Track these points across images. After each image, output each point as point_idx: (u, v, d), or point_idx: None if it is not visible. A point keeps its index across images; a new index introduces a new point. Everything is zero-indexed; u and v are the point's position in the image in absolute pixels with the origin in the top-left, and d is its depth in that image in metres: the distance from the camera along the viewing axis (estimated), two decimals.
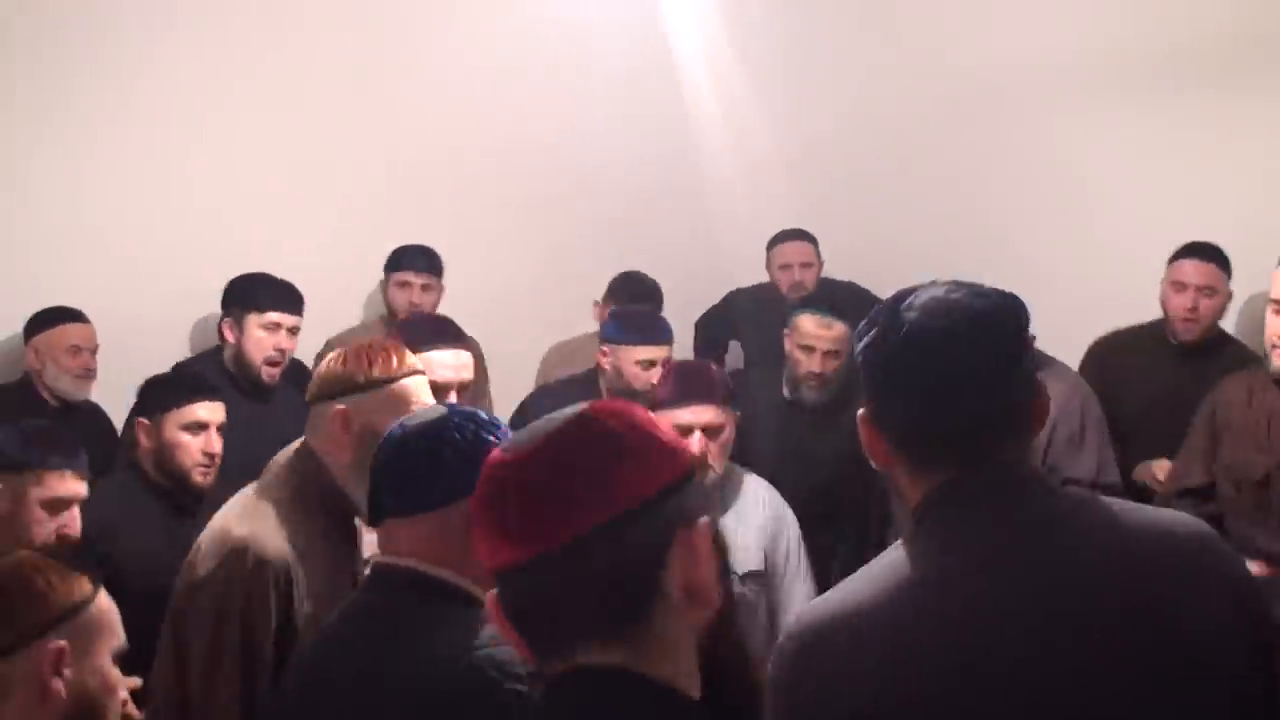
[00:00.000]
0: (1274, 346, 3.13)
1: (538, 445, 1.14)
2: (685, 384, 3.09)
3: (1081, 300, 4.38)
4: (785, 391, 3.86)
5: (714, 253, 5.13)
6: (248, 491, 2.37)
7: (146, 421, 3.18)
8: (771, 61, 5.29)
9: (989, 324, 1.43)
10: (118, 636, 1.79)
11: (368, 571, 1.83)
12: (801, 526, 3.23)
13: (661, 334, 3.73)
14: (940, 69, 5.10)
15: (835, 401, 3.69)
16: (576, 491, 1.12)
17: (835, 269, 4.96)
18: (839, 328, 3.70)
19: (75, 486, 2.77)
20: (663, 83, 5.20)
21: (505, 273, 4.83)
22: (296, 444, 2.37)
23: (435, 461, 1.71)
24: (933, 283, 1.48)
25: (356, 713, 1.65)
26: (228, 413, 3.25)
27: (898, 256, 4.57)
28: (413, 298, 4.40)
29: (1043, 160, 4.88)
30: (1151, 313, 4.08)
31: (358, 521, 2.38)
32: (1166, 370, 3.93)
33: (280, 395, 3.88)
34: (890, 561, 1.44)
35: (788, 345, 3.82)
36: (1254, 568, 2.72)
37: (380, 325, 4.37)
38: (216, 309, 4.05)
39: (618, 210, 5.12)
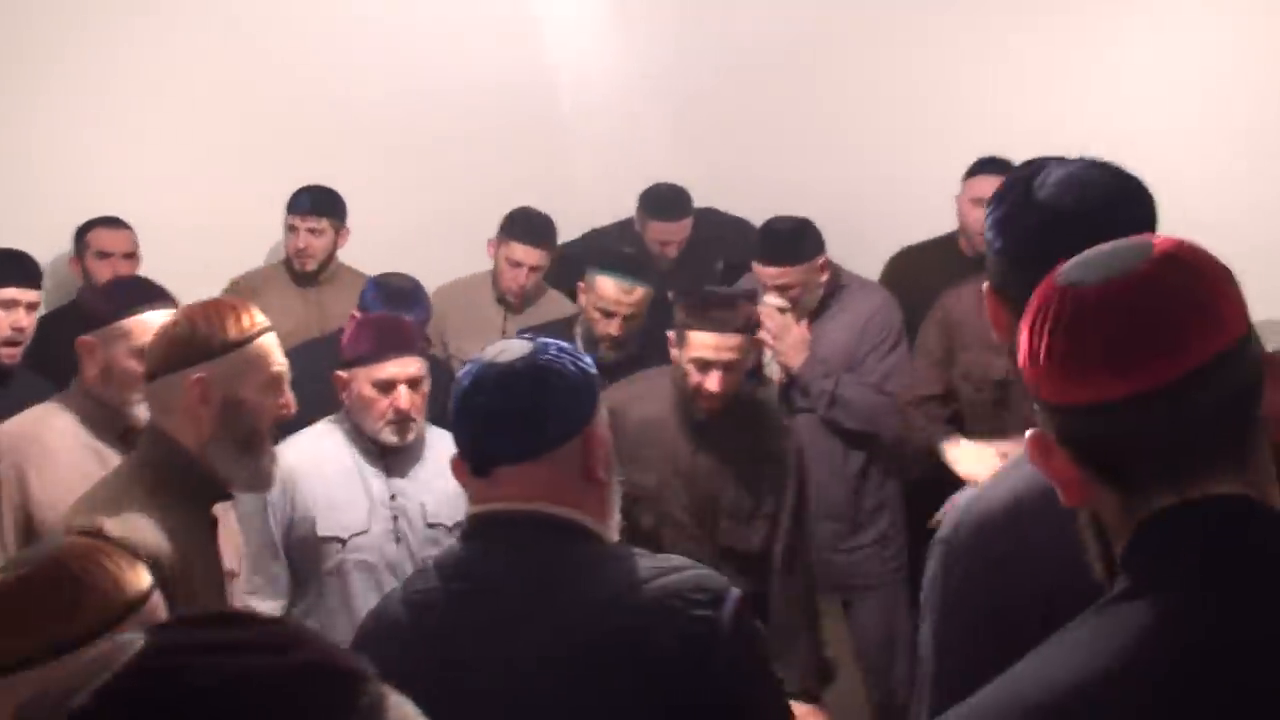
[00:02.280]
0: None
1: (1137, 276, 1.09)
2: (383, 337, 2.96)
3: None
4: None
5: (596, 185, 4.86)
6: (98, 493, 2.14)
7: None
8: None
9: (1125, 199, 1.47)
10: None
11: (469, 525, 1.72)
12: None
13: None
14: None
15: (630, 359, 3.58)
16: (1195, 319, 1.07)
17: (710, 197, 4.71)
18: (639, 292, 3.63)
19: None
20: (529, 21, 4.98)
21: (398, 214, 4.72)
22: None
23: (549, 400, 1.64)
24: (1061, 159, 1.51)
25: (543, 669, 1.58)
26: None
27: (768, 183, 4.54)
28: (298, 242, 4.31)
29: (908, 79, 4.83)
30: None
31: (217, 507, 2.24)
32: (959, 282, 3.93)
33: (19, 379, 3.47)
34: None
35: (583, 300, 3.73)
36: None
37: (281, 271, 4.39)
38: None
39: (496, 150, 4.88)
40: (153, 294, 2.61)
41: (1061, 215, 1.45)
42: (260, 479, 2.24)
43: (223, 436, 2.10)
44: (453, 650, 1.62)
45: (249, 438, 2.17)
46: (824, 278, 3.65)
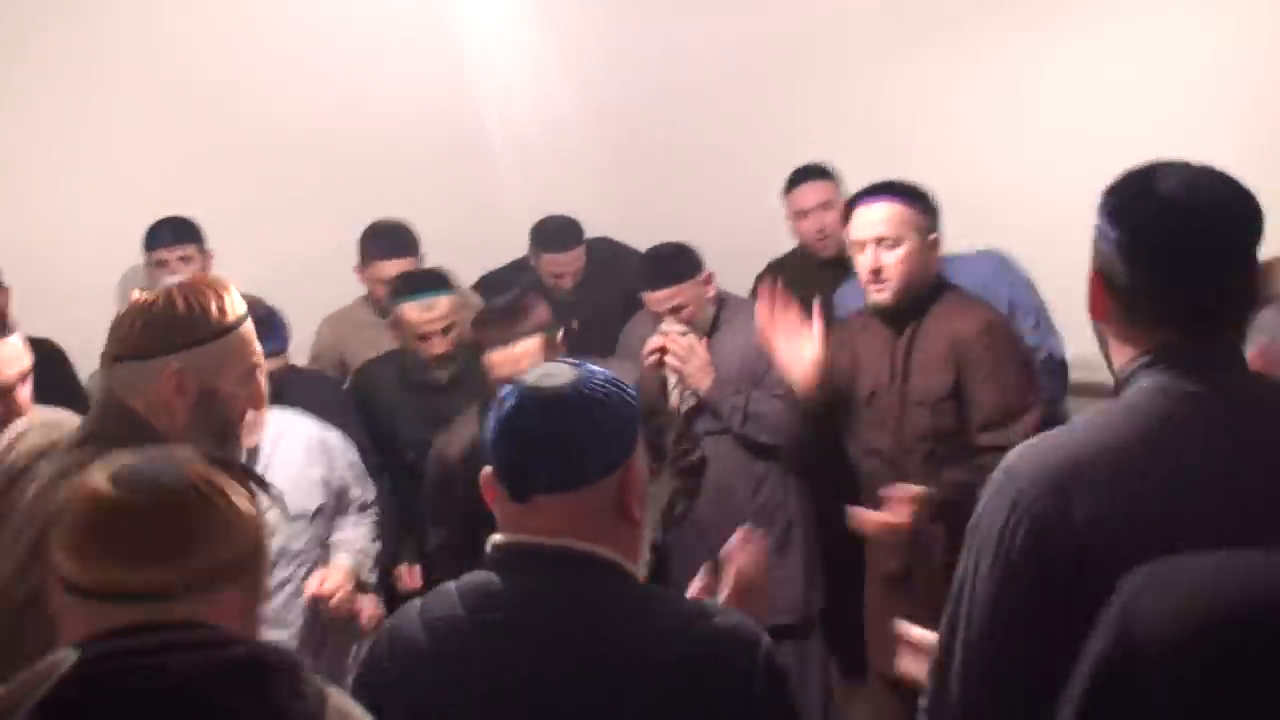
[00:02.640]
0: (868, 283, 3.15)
1: None
2: None
3: None
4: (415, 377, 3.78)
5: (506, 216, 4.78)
6: (49, 470, 1.97)
7: None
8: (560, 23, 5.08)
9: (1238, 203, 1.57)
10: None
11: (496, 553, 1.65)
12: None
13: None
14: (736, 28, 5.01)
15: (468, 371, 3.52)
16: None
17: (628, 233, 4.64)
18: (442, 302, 3.64)
19: None
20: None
21: (328, 242, 4.57)
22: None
23: (595, 432, 1.60)
24: (1171, 163, 1.60)
25: (567, 707, 1.55)
26: None
27: (694, 216, 4.42)
28: (172, 274, 3.95)
29: (847, 110, 4.90)
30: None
31: None
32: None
33: None
34: (1108, 410, 1.61)
35: (398, 336, 3.79)
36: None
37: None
38: None
39: (407, 176, 4.88)
40: None
41: (1177, 207, 1.55)
42: None
43: (197, 427, 2.00)
44: (477, 680, 1.59)
45: (224, 429, 2.06)
46: (712, 293, 3.63)
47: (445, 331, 3.63)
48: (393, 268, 4.10)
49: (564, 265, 4.48)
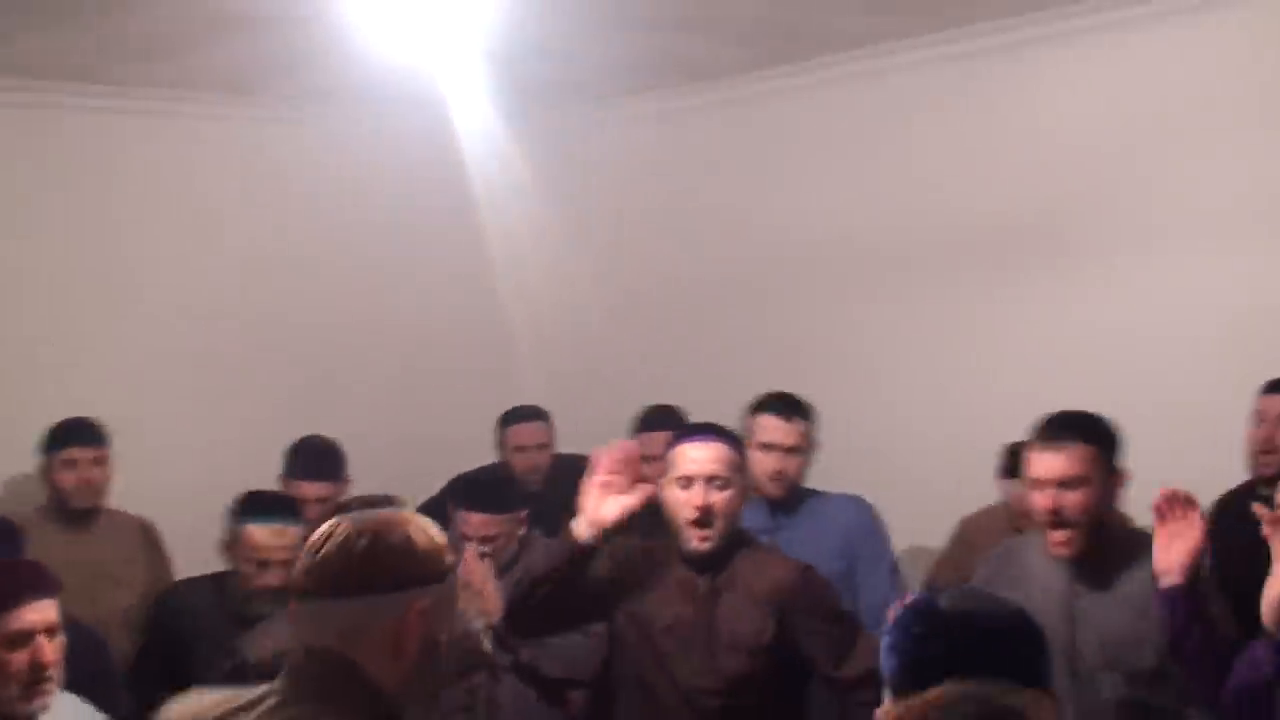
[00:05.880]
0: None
1: None
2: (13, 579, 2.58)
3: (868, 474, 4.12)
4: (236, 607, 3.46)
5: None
6: None
7: None
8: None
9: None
10: None
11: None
12: None
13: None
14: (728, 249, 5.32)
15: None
16: None
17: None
18: (294, 531, 3.37)
19: None
20: None
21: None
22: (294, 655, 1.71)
23: None
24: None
25: None
26: None
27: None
28: (80, 475, 4.09)
29: (833, 338, 5.04)
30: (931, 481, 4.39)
31: None
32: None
33: None
34: None
35: (231, 557, 3.48)
36: None
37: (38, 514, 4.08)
38: None
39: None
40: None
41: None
42: None
43: (416, 683, 1.70)
44: None
45: (437, 688, 1.83)
46: (523, 531, 3.61)
47: (285, 564, 3.26)
48: (314, 489, 3.99)
49: (527, 437, 4.60)
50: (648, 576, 2.97)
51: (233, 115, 5.14)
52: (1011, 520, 3.82)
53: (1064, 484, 2.72)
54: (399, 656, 1.67)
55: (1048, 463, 2.73)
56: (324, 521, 3.80)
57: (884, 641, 1.61)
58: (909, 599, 1.66)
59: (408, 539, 1.72)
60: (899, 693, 1.56)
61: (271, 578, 3.33)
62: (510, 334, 5.45)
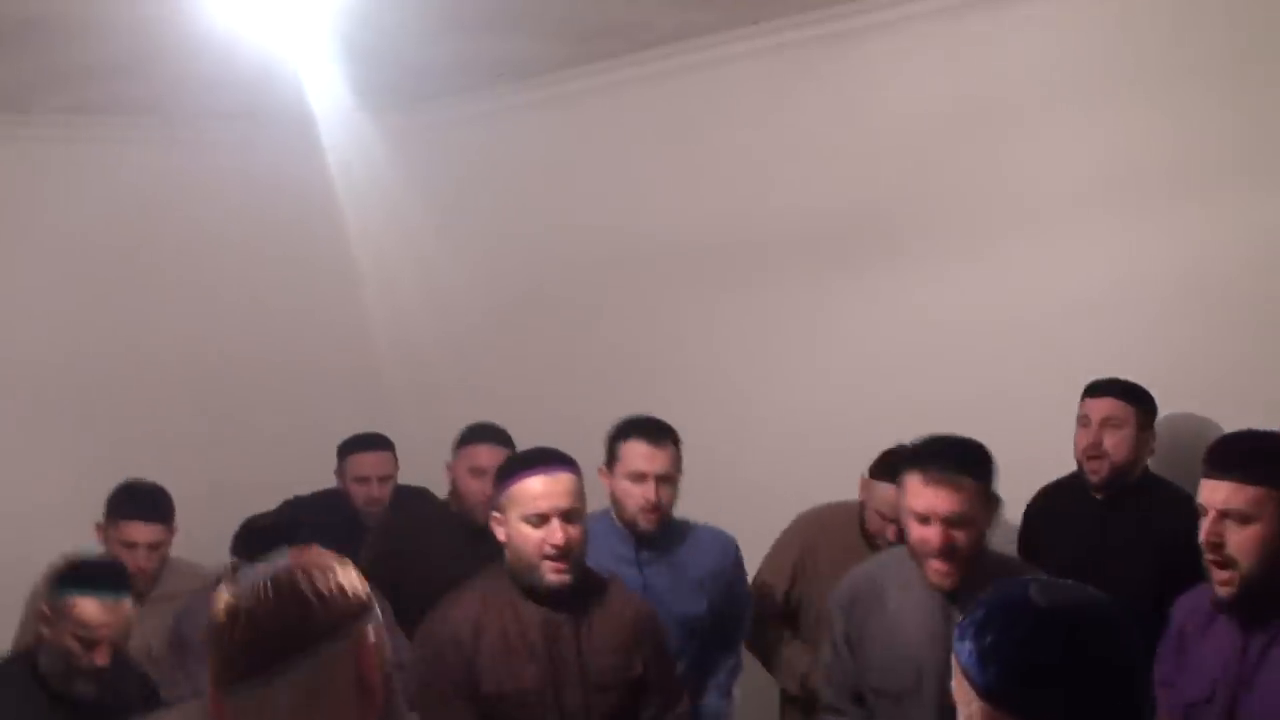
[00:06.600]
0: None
1: None
2: None
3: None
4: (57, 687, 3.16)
5: None
6: None
7: None
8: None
9: None
10: None
11: None
12: None
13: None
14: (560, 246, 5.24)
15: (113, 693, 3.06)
16: None
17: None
18: (127, 605, 3.03)
19: None
20: None
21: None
22: None
23: None
24: None
25: None
26: None
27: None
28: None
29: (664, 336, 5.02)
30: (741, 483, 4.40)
31: None
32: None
33: None
34: None
35: (51, 630, 3.04)
36: None
37: None
38: None
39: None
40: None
41: None
42: None
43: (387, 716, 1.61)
44: None
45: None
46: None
47: (113, 643, 2.95)
48: (145, 533, 3.76)
49: (370, 467, 4.40)
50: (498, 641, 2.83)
51: (76, 137, 5.03)
52: (863, 525, 3.70)
53: (953, 522, 2.69)
54: (367, 693, 1.54)
55: (940, 499, 2.70)
56: (152, 569, 3.84)
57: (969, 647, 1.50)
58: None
59: (324, 573, 1.57)
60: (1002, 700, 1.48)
61: (99, 656, 2.92)
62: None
